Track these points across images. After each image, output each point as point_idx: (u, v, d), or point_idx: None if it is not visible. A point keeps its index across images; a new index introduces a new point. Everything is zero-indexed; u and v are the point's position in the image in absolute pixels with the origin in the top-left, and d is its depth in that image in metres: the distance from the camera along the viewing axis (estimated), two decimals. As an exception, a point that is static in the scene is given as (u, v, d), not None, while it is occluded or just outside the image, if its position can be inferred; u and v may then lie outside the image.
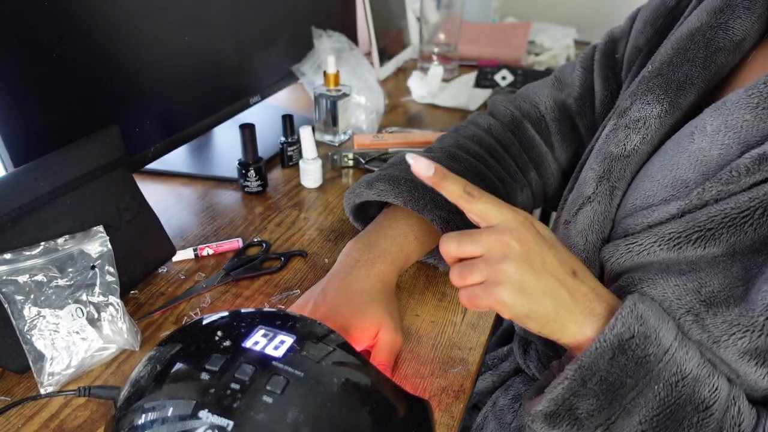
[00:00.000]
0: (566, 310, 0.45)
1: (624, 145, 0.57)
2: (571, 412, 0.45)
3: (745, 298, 0.44)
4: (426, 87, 1.23)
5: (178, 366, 0.40)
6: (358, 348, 0.54)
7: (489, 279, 0.44)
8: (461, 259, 0.46)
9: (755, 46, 0.56)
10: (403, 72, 1.45)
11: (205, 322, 0.44)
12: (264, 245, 0.74)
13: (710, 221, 0.46)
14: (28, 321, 0.52)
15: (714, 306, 0.45)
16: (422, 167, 0.44)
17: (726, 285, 0.45)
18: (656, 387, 0.44)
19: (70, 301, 0.54)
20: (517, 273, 0.43)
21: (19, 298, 0.52)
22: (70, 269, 0.55)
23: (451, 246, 0.45)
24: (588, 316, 0.46)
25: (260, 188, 0.87)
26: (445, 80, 1.35)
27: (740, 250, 0.45)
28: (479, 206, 0.45)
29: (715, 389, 0.44)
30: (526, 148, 0.75)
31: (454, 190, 0.45)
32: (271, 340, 0.41)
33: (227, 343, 0.40)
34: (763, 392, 0.45)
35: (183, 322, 0.62)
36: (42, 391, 0.52)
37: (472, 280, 0.44)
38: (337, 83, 0.99)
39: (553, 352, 0.64)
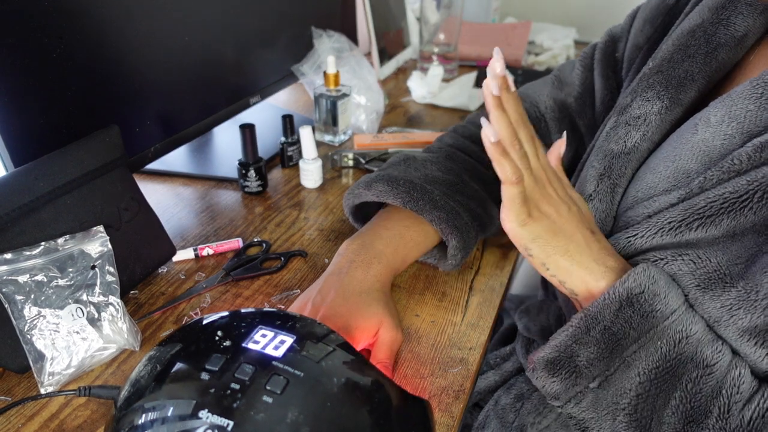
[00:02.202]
0: (577, 251, 0.47)
1: (624, 142, 0.57)
2: (572, 360, 0.46)
3: (744, 276, 0.44)
4: (426, 87, 1.23)
5: (178, 366, 0.40)
6: (359, 347, 0.54)
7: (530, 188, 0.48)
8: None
9: (758, 42, 0.56)
10: (403, 72, 1.45)
11: (205, 322, 0.44)
12: (264, 245, 0.74)
13: (709, 207, 0.46)
14: (29, 321, 0.52)
15: (710, 289, 0.45)
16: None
17: (722, 263, 0.45)
18: (659, 342, 0.44)
19: (70, 301, 0.54)
20: (549, 199, 0.48)
21: (19, 298, 0.52)
22: (70, 269, 0.55)
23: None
24: (600, 266, 0.47)
25: (260, 188, 0.87)
26: (445, 80, 1.35)
27: (740, 232, 0.46)
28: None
29: (718, 351, 0.44)
30: None
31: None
32: (271, 340, 0.41)
33: (227, 343, 0.40)
34: (764, 374, 0.45)
35: (183, 322, 0.62)
36: (42, 391, 0.52)
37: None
38: (337, 83, 0.99)
39: None
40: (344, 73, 1.05)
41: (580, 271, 0.47)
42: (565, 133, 0.54)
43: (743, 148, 0.45)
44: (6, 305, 0.51)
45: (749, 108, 0.47)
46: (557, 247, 0.47)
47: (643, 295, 0.45)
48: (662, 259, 0.48)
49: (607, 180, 0.56)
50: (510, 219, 0.47)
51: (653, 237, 0.49)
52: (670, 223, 0.48)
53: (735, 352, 0.46)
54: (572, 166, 0.77)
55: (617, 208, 0.56)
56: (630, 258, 0.51)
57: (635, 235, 0.51)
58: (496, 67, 0.47)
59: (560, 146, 0.52)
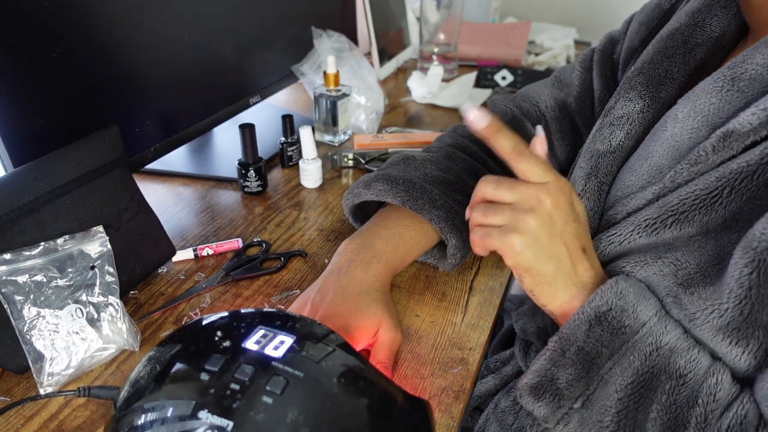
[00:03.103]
0: (564, 279, 0.47)
1: (609, 141, 0.59)
2: (553, 383, 0.47)
3: (720, 276, 0.44)
4: (426, 87, 1.23)
5: (178, 366, 0.40)
6: (358, 347, 0.54)
7: (509, 225, 0.46)
8: (487, 202, 0.48)
9: (737, 43, 0.58)
10: (403, 72, 1.45)
11: (204, 322, 0.44)
12: (264, 245, 0.74)
13: (682, 204, 0.47)
14: (28, 321, 0.52)
15: (691, 287, 0.46)
16: (476, 118, 0.46)
17: (702, 264, 0.46)
18: (631, 357, 0.45)
19: (69, 301, 0.54)
20: (536, 227, 0.45)
21: (18, 298, 0.52)
22: (69, 269, 0.55)
23: (489, 187, 0.47)
24: (581, 289, 0.48)
25: (260, 188, 0.87)
26: (445, 80, 1.35)
27: (713, 228, 0.46)
28: (527, 165, 0.46)
29: (693, 360, 0.45)
30: None
31: (505, 145, 0.46)
32: (270, 340, 0.41)
33: (227, 343, 0.40)
34: (744, 374, 0.45)
35: (183, 323, 0.62)
36: (41, 392, 0.52)
37: (493, 221, 0.47)
38: (337, 83, 0.99)
39: None
40: (344, 73, 1.05)
41: (561, 295, 0.48)
42: (540, 128, 0.51)
43: (708, 140, 0.47)
44: (5, 305, 0.51)
45: (712, 101, 0.49)
46: (545, 277, 0.47)
47: (611, 313, 0.45)
48: (642, 261, 0.49)
49: (594, 179, 0.57)
50: (514, 249, 0.46)
51: (631, 234, 0.50)
52: (645, 220, 0.49)
53: (715, 357, 0.45)
54: (570, 164, 0.77)
55: (604, 206, 0.57)
56: (613, 261, 0.52)
57: (615, 233, 0.52)
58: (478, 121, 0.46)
59: (540, 145, 0.49)
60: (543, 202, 0.45)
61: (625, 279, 0.47)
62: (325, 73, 0.98)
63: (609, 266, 0.52)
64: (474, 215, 0.48)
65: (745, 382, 0.45)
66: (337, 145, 1.03)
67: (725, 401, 0.43)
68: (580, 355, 0.46)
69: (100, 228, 0.58)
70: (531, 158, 0.46)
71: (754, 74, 0.47)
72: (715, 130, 0.47)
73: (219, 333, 0.41)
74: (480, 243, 0.47)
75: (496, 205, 0.47)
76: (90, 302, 0.56)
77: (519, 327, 0.67)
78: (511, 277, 0.72)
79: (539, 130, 0.51)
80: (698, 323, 0.45)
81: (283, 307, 0.64)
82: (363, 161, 0.94)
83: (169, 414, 0.37)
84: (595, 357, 0.45)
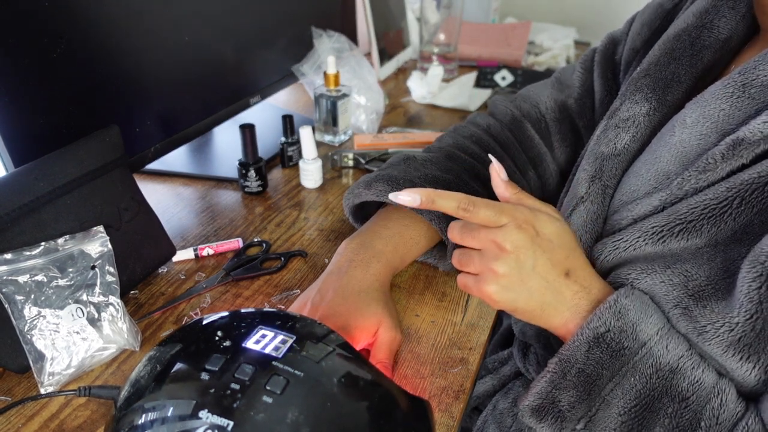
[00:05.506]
0: (552, 308, 0.48)
1: (614, 144, 0.58)
2: (555, 406, 0.47)
3: (731, 291, 0.44)
4: (426, 87, 1.23)
5: (178, 366, 0.40)
6: (358, 347, 0.54)
7: (480, 275, 0.48)
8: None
9: (743, 46, 0.57)
10: (403, 72, 1.45)
11: (205, 322, 0.44)
12: (264, 245, 0.74)
13: (690, 213, 0.47)
14: (29, 321, 0.52)
15: (703, 299, 0.45)
16: (406, 201, 0.47)
17: (712, 278, 0.45)
18: (632, 379, 0.45)
19: (70, 301, 0.54)
20: (506, 273, 0.46)
21: (19, 298, 0.52)
22: (70, 269, 0.55)
23: (455, 235, 0.49)
24: (574, 314, 0.48)
25: (260, 188, 0.87)
26: (445, 80, 1.35)
27: (722, 240, 0.46)
28: (479, 217, 0.47)
29: (696, 381, 0.44)
30: (526, 148, 0.76)
31: (449, 207, 0.47)
32: (271, 340, 0.41)
33: (227, 343, 0.41)
34: (752, 389, 0.45)
35: (183, 322, 0.62)
36: (42, 391, 0.52)
37: (468, 269, 0.49)
38: (337, 83, 0.99)
39: (552, 356, 0.64)
40: (344, 73, 1.05)
41: (557, 322, 0.48)
42: (492, 157, 0.52)
43: (717, 147, 0.46)
44: (6, 305, 0.51)
45: (722, 107, 0.48)
46: (532, 312, 0.48)
47: (609, 334, 0.45)
48: (648, 269, 0.48)
49: (599, 182, 0.57)
50: (492, 297, 0.48)
51: (636, 241, 0.50)
52: (653, 227, 0.49)
53: (720, 374, 0.45)
54: (570, 167, 0.77)
55: (608, 210, 0.56)
56: (617, 267, 0.51)
57: (620, 239, 0.51)
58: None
59: (498, 175, 0.51)
60: (504, 247, 0.46)
61: (626, 295, 0.46)
62: (325, 73, 0.98)
63: (613, 273, 0.51)
64: (453, 261, 0.50)
65: (751, 396, 0.45)
66: (337, 145, 1.03)
67: (730, 423, 0.43)
68: (581, 377, 0.45)
69: (101, 228, 0.59)
70: (479, 208, 0.46)
71: (765, 81, 0.46)
72: (725, 137, 0.46)
73: (219, 333, 0.42)
74: (464, 288, 0.50)
75: (468, 253, 0.49)
76: (90, 302, 0.56)
77: (518, 329, 0.67)
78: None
79: (493, 159, 0.51)
80: (708, 337, 0.44)
81: (283, 307, 0.64)
82: (363, 161, 0.94)
83: (169, 414, 0.37)
84: (596, 379, 0.45)
